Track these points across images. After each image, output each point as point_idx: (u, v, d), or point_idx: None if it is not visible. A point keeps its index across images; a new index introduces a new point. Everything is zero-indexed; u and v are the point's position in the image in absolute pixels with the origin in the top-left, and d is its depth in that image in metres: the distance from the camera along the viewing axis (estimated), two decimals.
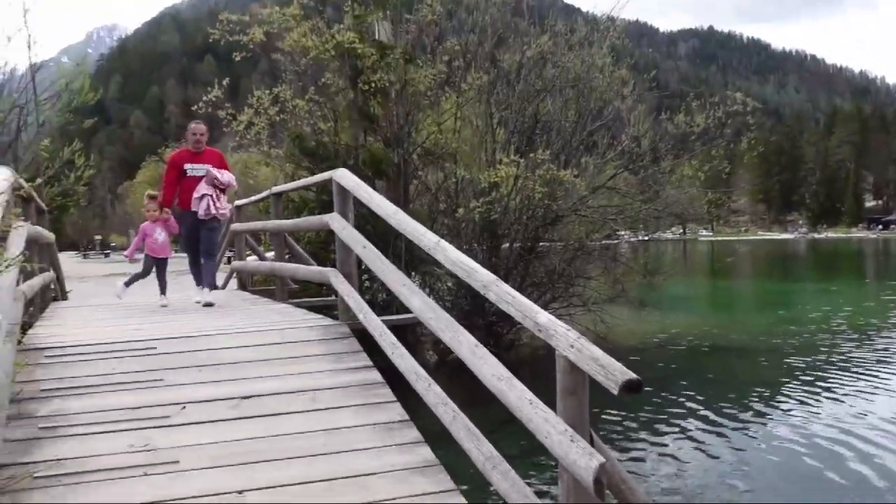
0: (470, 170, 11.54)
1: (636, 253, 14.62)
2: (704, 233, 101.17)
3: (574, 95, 12.09)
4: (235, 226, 10.39)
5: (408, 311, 4.47)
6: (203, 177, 7.16)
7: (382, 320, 4.79)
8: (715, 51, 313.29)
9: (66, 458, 3.42)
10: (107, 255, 55.31)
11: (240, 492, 3.33)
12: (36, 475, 3.21)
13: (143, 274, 7.51)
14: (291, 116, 11.62)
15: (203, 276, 7.53)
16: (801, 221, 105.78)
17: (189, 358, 4.62)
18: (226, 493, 3.31)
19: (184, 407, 3.97)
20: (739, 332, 14.89)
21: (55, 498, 3.15)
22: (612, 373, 2.53)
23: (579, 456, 2.58)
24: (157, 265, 7.45)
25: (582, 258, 12.25)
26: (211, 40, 11.54)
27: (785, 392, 9.49)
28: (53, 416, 3.76)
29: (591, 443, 2.76)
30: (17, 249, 3.90)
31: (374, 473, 3.57)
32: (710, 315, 18.14)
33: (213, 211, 7.17)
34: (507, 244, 11.74)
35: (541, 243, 12.13)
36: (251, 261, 10.86)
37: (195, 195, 7.13)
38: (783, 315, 17.52)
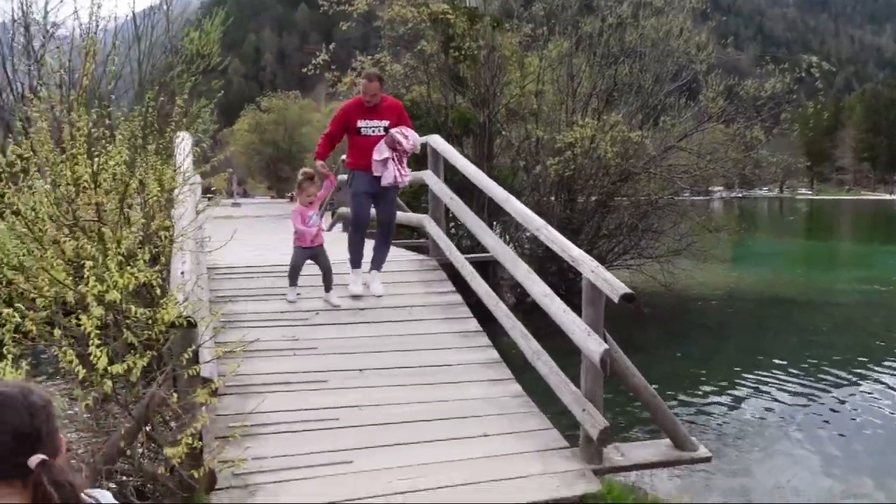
0: (549, 129, 12.55)
1: (729, 209, 15.25)
2: (804, 191, 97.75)
3: (651, 60, 12.85)
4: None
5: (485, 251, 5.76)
6: (379, 136, 5.92)
7: (465, 257, 6.09)
8: None
9: (240, 342, 4.89)
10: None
11: (360, 370, 4.75)
12: (226, 350, 4.69)
13: (297, 268, 5.78)
14: (389, 78, 12.92)
15: (375, 258, 6.10)
16: None
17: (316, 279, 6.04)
18: (350, 370, 4.74)
19: (317, 313, 5.41)
20: (805, 288, 15.47)
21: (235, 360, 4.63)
22: (616, 288, 3.75)
23: (592, 344, 3.83)
24: (313, 256, 5.80)
25: (654, 213, 13.16)
26: (321, 11, 12.88)
27: (842, 347, 10.14)
28: (229, 314, 5.26)
29: (605, 339, 3.99)
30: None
31: (454, 365, 4.94)
32: (782, 271, 18.62)
33: (400, 179, 5.93)
34: (583, 198, 12.77)
35: (615, 198, 13.10)
36: None
37: (376, 157, 5.85)
38: (855, 275, 17.88)
